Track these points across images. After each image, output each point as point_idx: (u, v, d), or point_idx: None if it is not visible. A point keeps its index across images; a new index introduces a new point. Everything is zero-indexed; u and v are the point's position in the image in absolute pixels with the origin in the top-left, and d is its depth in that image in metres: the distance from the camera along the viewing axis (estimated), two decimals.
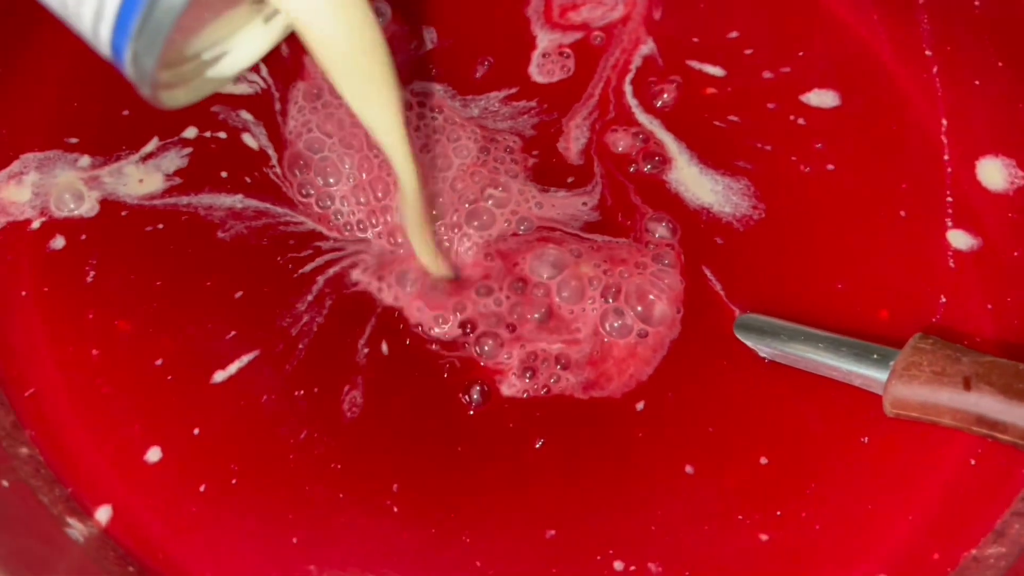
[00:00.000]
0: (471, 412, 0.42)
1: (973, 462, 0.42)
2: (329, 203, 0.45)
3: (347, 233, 0.44)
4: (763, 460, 0.41)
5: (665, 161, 0.46)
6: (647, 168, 0.46)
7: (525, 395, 0.42)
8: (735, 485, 0.41)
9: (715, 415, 0.42)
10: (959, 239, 0.45)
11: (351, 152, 0.45)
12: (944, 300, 0.44)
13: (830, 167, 0.46)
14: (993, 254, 0.45)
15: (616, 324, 0.43)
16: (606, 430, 0.42)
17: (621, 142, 0.46)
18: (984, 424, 0.37)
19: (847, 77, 0.48)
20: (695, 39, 0.48)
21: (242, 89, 0.47)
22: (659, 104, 0.47)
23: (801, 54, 0.48)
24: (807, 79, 0.47)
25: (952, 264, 0.45)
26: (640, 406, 0.42)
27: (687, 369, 0.43)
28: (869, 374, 0.40)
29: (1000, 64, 0.48)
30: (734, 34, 0.48)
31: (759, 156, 0.46)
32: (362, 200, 0.45)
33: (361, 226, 0.45)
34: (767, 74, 0.48)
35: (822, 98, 0.47)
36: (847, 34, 0.49)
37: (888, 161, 0.47)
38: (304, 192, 0.45)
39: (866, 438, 0.42)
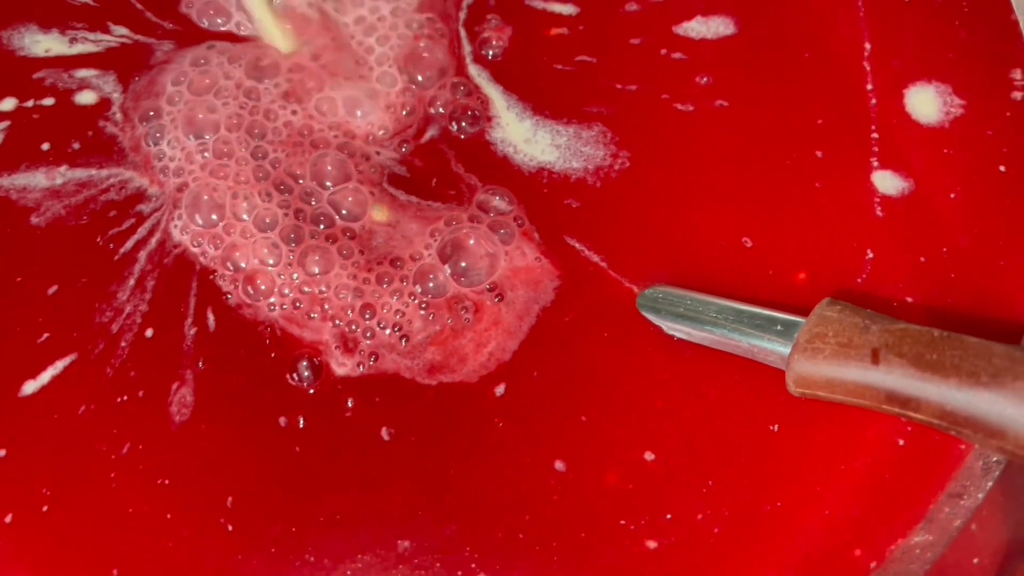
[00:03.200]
0: (311, 391, 0.37)
1: (902, 442, 0.36)
2: (167, 138, 0.40)
3: (165, 179, 0.39)
4: (648, 456, 0.36)
5: (485, 119, 0.40)
6: (463, 126, 0.39)
7: (360, 368, 0.37)
8: (615, 484, 0.36)
9: (590, 402, 0.36)
10: (887, 182, 0.39)
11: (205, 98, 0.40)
12: (871, 255, 0.38)
13: (721, 103, 0.40)
14: (926, 198, 0.39)
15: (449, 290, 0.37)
16: (460, 419, 0.37)
17: (441, 97, 0.40)
18: (895, 402, 0.31)
19: (744, 1, 0.41)
20: None
21: (81, 49, 0.41)
22: (490, 54, 0.41)
23: None
24: (685, 7, 0.41)
25: (879, 212, 0.39)
26: (500, 391, 0.37)
27: (555, 347, 0.37)
28: (772, 348, 0.34)
29: None
30: None
31: (618, 98, 0.40)
32: (191, 139, 0.40)
33: (179, 172, 0.40)
34: (632, 6, 0.41)
35: (708, 27, 0.41)
36: None
37: (800, 94, 0.40)
38: (148, 120, 0.40)
39: (776, 426, 0.36)
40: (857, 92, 0.40)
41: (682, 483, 0.35)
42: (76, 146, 0.40)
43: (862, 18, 0.41)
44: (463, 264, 0.38)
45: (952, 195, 0.39)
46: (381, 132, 0.39)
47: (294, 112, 0.40)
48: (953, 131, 0.40)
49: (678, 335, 0.37)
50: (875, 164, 0.39)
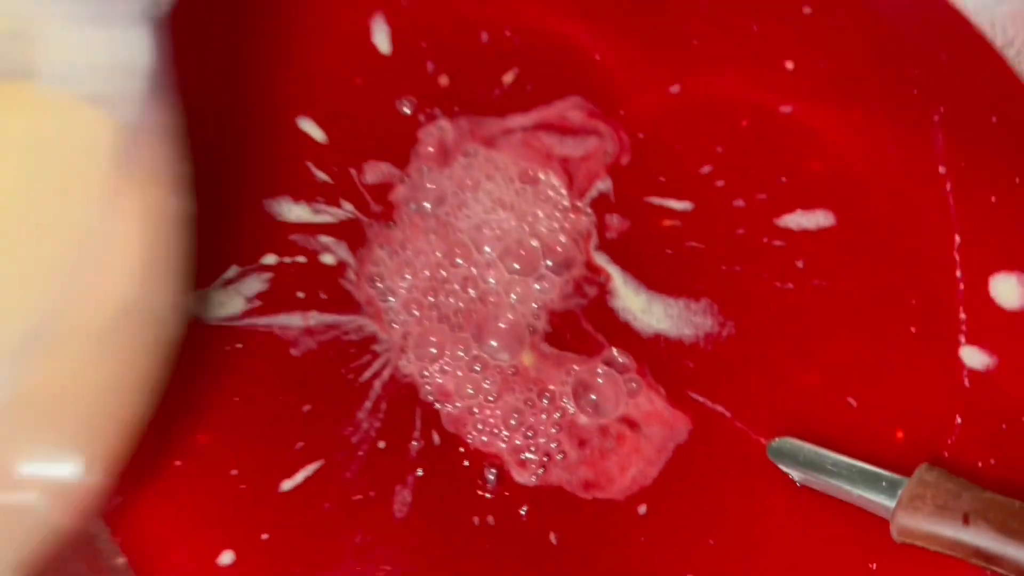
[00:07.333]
0: (488, 495, 0.42)
1: None
2: (391, 299, 0.46)
3: (393, 329, 0.45)
4: None
5: (606, 292, 0.44)
6: (589, 296, 0.44)
7: (533, 478, 0.41)
8: None
9: (718, 527, 0.40)
10: (973, 357, 0.43)
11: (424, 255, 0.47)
12: (960, 420, 0.42)
13: (819, 284, 0.44)
14: (1009, 373, 0.42)
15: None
16: (612, 531, 0.41)
17: (572, 276, 0.45)
18: (981, 557, 0.35)
19: (843, 197, 0.45)
20: (662, 178, 0.46)
21: (322, 218, 0.48)
22: (609, 236, 0.45)
23: (784, 180, 0.46)
24: (787, 202, 0.45)
25: (967, 383, 0.42)
26: (643, 510, 0.41)
27: (690, 478, 0.41)
28: (879, 501, 0.38)
29: (1017, 180, 0.46)
30: (707, 169, 0.46)
31: (723, 277, 0.44)
32: (416, 291, 0.46)
33: (403, 324, 0.45)
34: (739, 202, 0.46)
35: (809, 219, 0.45)
36: (845, 155, 0.46)
37: (894, 278, 0.44)
38: (372, 283, 0.46)
39: (874, 564, 0.40)
40: (947, 278, 0.44)
41: None
42: (323, 296, 0.45)
43: (952, 215, 0.45)
44: (593, 397, 0.42)
45: None
46: (533, 305, 0.45)
47: (474, 287, 0.46)
48: None
49: (802, 482, 0.41)
50: (963, 341, 0.43)
